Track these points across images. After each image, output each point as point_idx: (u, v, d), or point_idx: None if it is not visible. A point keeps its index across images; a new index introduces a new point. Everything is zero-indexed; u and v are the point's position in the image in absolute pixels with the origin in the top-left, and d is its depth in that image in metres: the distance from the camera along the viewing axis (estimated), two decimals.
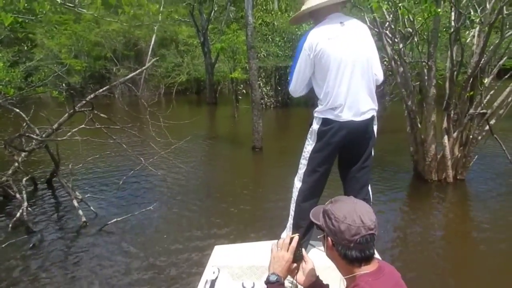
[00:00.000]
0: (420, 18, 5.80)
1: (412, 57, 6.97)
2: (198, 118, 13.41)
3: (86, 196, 5.53)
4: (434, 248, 4.21)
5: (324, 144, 2.52)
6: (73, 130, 5.49)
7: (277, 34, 16.57)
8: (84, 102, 6.16)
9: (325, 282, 1.71)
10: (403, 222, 5.04)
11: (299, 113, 17.58)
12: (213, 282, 2.29)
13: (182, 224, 4.88)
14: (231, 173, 7.57)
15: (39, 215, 5.20)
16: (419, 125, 6.29)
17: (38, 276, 3.72)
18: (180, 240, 4.38)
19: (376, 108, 2.55)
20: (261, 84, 17.51)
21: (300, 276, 1.68)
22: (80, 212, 4.88)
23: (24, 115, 5.15)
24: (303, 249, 1.72)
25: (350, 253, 1.34)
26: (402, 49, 6.21)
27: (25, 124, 5.55)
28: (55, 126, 5.89)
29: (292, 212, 2.71)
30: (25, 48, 13.56)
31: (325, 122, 2.48)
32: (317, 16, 2.50)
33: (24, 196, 5.05)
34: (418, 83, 6.93)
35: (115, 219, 4.79)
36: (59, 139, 5.30)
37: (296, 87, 2.57)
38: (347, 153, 2.60)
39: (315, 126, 2.54)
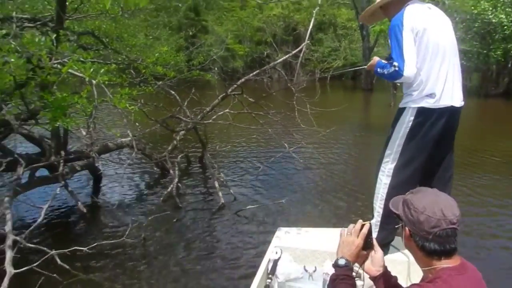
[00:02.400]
0: None
1: None
2: (349, 106, 12.84)
3: (228, 178, 5.71)
4: None
5: (420, 137, 2.35)
6: (219, 113, 5.69)
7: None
8: (235, 86, 6.35)
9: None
10: None
11: (469, 104, 15.49)
12: (275, 262, 2.28)
13: (314, 219, 4.63)
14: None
15: (187, 192, 5.56)
16: None
17: (176, 251, 3.94)
18: None
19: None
20: None
21: (368, 265, 1.64)
22: (220, 194, 5.04)
23: (178, 98, 5.54)
24: (374, 239, 1.66)
25: (428, 245, 1.31)
26: None
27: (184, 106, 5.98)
28: (208, 108, 6.21)
29: (380, 210, 2.53)
30: (190, 33, 14.81)
31: (421, 112, 2.32)
32: (394, 7, 2.42)
33: (176, 172, 5.46)
34: None
35: (249, 206, 4.81)
36: (205, 122, 5.55)
37: (414, 65, 2.27)
38: (443, 144, 2.44)
39: (409, 118, 2.35)
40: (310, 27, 11.96)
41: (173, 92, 5.54)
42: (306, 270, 2.29)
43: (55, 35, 3.87)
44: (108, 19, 5.51)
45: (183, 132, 6.42)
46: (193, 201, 5.24)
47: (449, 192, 2.47)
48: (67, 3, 4.73)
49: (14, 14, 3.55)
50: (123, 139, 5.71)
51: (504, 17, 12.58)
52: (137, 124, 5.06)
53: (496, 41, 13.49)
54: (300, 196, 5.39)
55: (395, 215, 1.45)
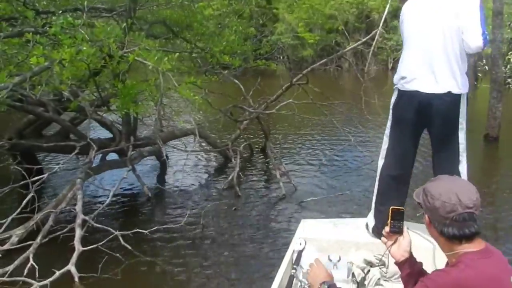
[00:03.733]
0: None
1: None
2: None
3: (290, 169, 5.63)
4: None
5: (399, 119, 2.46)
6: (282, 103, 5.59)
7: None
8: (300, 75, 6.23)
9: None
10: None
11: None
12: (299, 253, 2.30)
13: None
14: None
15: (248, 181, 5.57)
16: None
17: (233, 238, 3.99)
18: None
19: (458, 83, 2.29)
20: (511, 59, 14.52)
21: (394, 250, 1.64)
22: (281, 184, 5.00)
23: (242, 87, 5.52)
24: (405, 225, 1.67)
25: (447, 230, 1.33)
26: None
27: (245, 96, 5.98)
28: (272, 98, 6.15)
29: (375, 191, 2.63)
30: (260, 22, 14.78)
31: (398, 93, 2.44)
32: None
33: (238, 161, 5.47)
34: None
35: (311, 198, 4.71)
36: (268, 112, 5.48)
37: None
38: (430, 130, 2.44)
39: (392, 99, 2.50)
40: (385, 13, 11.39)
41: (237, 82, 5.54)
42: (330, 260, 2.29)
43: (124, 24, 4.03)
44: (176, 7, 5.63)
45: (246, 121, 6.44)
46: (253, 191, 5.24)
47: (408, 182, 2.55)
48: None
49: (85, 3, 3.73)
50: (188, 127, 5.84)
51: None
52: (200, 112, 5.14)
53: None
54: (363, 189, 5.16)
55: (417, 203, 1.47)
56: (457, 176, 1.48)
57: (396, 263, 1.64)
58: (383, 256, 2.31)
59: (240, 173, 5.36)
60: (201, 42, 7.08)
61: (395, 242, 1.65)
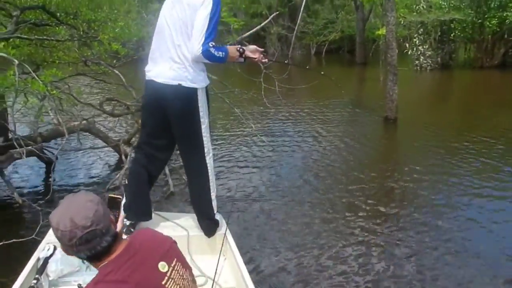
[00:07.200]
0: None
1: None
2: (326, 81, 12.19)
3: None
4: None
5: (144, 109, 2.54)
6: None
7: None
8: None
9: None
10: None
11: (461, 77, 14.90)
12: (46, 260, 2.12)
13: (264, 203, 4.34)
14: (353, 146, 6.57)
15: None
16: None
17: None
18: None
19: (191, 78, 2.34)
20: (418, 41, 15.28)
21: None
22: (170, 180, 4.75)
23: (122, 77, 5.13)
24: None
25: (80, 255, 1.27)
26: None
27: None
28: None
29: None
30: None
31: (145, 83, 2.49)
32: None
33: (129, 158, 5.12)
34: None
35: None
36: None
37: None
38: (172, 125, 2.44)
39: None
40: None
41: (117, 72, 5.14)
42: (84, 262, 2.17)
43: None
44: None
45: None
46: None
47: (158, 172, 2.69)
48: None
49: None
50: (75, 123, 5.38)
51: None
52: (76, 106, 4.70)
53: (492, 9, 12.74)
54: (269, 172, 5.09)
55: None
56: (79, 194, 1.33)
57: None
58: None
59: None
60: (91, 29, 6.56)
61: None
